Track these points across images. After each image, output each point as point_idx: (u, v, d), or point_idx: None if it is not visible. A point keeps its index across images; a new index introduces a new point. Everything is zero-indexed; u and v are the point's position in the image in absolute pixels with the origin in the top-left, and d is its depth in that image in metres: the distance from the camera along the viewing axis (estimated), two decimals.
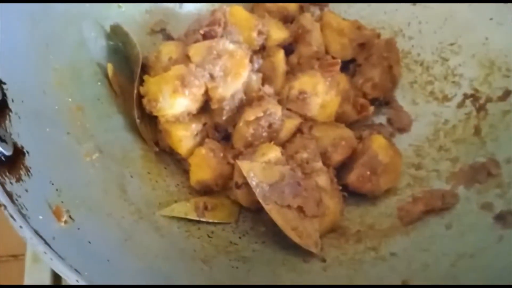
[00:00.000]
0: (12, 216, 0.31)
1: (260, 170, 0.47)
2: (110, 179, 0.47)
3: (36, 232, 0.31)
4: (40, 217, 0.33)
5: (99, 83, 0.53)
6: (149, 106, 0.50)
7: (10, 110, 0.39)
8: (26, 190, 0.34)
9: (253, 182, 0.46)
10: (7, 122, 0.37)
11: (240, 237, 0.50)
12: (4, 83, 0.39)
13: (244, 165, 0.47)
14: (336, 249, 0.52)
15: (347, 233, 0.54)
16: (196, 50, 0.51)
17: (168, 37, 0.61)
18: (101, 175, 0.46)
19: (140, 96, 0.51)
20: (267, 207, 0.47)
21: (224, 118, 0.52)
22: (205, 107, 0.52)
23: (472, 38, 0.61)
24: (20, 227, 0.31)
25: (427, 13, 0.64)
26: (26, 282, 0.48)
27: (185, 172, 0.53)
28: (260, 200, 0.46)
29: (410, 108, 0.62)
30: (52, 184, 0.38)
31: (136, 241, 0.42)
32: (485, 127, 0.57)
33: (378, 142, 0.54)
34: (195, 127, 0.52)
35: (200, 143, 0.52)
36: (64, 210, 0.37)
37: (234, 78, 0.50)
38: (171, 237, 0.46)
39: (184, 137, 0.51)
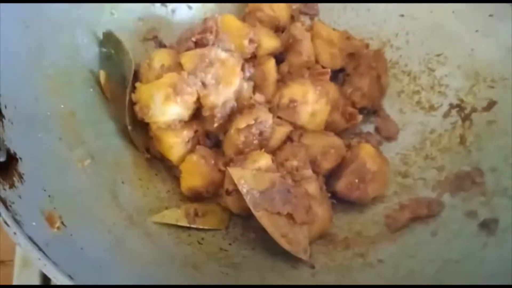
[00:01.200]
0: (6, 223, 0.31)
1: (250, 177, 0.48)
2: (102, 185, 0.47)
3: (30, 239, 0.31)
4: (34, 223, 0.34)
5: (91, 89, 0.53)
6: (141, 113, 0.51)
7: (3, 117, 0.39)
8: (20, 197, 0.35)
9: (243, 189, 0.47)
10: (0, 128, 0.37)
11: (230, 244, 0.50)
12: None
13: (235, 172, 0.48)
14: (325, 255, 0.53)
15: (336, 239, 0.54)
16: (188, 58, 0.52)
17: (160, 45, 0.61)
18: (93, 181, 0.46)
19: (132, 103, 0.52)
20: (257, 214, 0.47)
21: (215, 125, 0.52)
22: (197, 115, 0.53)
23: (458, 50, 0.62)
24: (14, 233, 0.31)
25: (415, 24, 0.66)
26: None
27: (176, 178, 0.54)
28: (251, 207, 0.47)
29: (398, 117, 0.63)
30: (45, 190, 0.39)
31: (128, 247, 0.43)
32: (470, 136, 0.58)
33: (366, 151, 0.56)
34: (187, 134, 0.52)
35: (191, 150, 0.53)
36: (57, 216, 0.37)
37: (226, 86, 0.51)
38: (162, 243, 0.47)
39: (175, 144, 0.52)
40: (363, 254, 0.52)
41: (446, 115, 0.61)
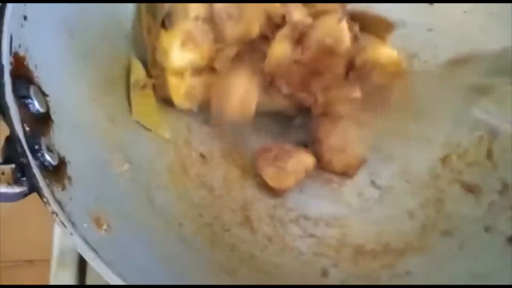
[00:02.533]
0: (63, 223, 0.32)
1: None
2: (139, 190, 0.48)
3: (85, 240, 0.33)
4: (85, 225, 0.35)
5: (128, 97, 0.55)
6: (160, 57, 0.52)
7: (53, 121, 0.40)
8: (70, 199, 0.36)
9: None
10: (51, 133, 0.39)
11: (262, 250, 0.51)
12: (47, 95, 0.41)
13: None
14: (352, 265, 0.54)
15: (363, 250, 0.55)
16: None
17: None
18: (131, 186, 0.47)
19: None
20: None
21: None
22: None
23: None
24: (71, 234, 0.32)
25: (442, 39, 0.67)
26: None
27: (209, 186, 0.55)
28: None
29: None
30: (91, 193, 0.40)
31: (166, 251, 0.44)
32: (497, 150, 0.59)
33: None
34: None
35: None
36: (103, 218, 0.38)
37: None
38: (197, 248, 0.48)
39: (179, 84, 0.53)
40: (390, 266, 0.53)
41: (472, 128, 0.62)
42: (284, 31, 0.51)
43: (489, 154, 0.59)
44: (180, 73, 0.52)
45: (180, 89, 0.53)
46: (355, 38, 0.53)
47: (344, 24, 0.51)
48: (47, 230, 0.60)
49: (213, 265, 0.47)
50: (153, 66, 0.54)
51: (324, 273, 0.52)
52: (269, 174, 0.53)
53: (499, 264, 0.49)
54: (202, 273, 0.45)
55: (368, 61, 0.55)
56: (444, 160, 0.61)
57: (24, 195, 0.33)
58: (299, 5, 0.52)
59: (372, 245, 0.56)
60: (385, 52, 0.56)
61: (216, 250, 0.49)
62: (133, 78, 0.53)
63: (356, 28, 0.54)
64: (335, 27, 0.51)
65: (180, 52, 0.51)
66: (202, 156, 0.57)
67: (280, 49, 0.52)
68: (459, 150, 0.61)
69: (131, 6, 0.57)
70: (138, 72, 0.54)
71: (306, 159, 0.54)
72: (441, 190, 0.59)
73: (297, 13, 0.51)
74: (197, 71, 0.53)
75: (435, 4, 0.67)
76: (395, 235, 0.56)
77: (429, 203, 0.58)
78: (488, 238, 0.52)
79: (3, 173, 0.32)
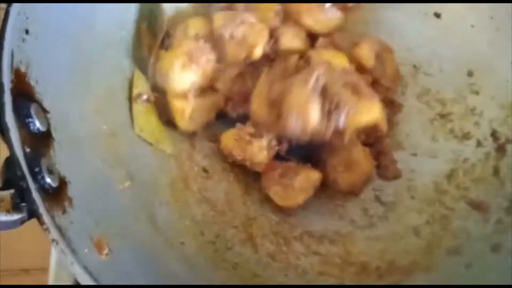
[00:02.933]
0: (64, 252, 0.31)
1: None
2: (141, 207, 0.47)
3: (86, 268, 0.32)
4: (86, 250, 0.34)
5: (130, 108, 0.54)
6: (160, 80, 0.51)
7: (53, 139, 0.39)
8: (71, 223, 0.35)
9: None
10: (51, 152, 0.38)
11: (264, 269, 0.50)
12: (48, 112, 0.40)
13: None
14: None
15: (368, 268, 0.54)
16: (221, 16, 0.53)
17: None
18: (132, 203, 0.46)
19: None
20: None
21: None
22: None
23: (492, 80, 0.62)
24: (72, 263, 0.31)
25: (449, 52, 0.66)
26: None
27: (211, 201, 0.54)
28: None
29: (430, 144, 0.63)
30: (92, 214, 0.39)
31: (169, 271, 0.43)
32: (504, 167, 0.58)
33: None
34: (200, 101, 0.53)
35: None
36: (105, 242, 0.37)
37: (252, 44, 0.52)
38: (199, 267, 0.47)
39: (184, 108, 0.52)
40: (396, 285, 0.52)
41: (479, 144, 0.61)
42: None
43: (496, 171, 0.58)
44: (183, 96, 0.51)
45: (185, 113, 0.52)
46: None
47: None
48: (45, 239, 0.59)
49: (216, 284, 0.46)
50: (154, 89, 0.53)
51: (309, 284, 0.51)
52: (276, 193, 0.52)
53: (506, 285, 0.48)
54: None
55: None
56: (450, 176, 0.60)
57: (23, 221, 0.31)
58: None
59: (377, 262, 0.55)
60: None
61: (219, 270, 0.48)
62: (135, 91, 0.52)
63: None
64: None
65: (181, 74, 0.50)
66: (205, 170, 0.56)
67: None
68: (465, 166, 0.60)
69: (135, 15, 0.56)
70: (141, 85, 0.53)
71: (313, 176, 0.53)
72: (447, 207, 0.58)
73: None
74: (200, 91, 0.52)
75: (442, 17, 0.66)
76: (400, 253, 0.55)
77: (434, 220, 0.57)
78: (495, 257, 0.51)
79: (2, 201, 0.30)
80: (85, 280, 0.31)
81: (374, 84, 0.60)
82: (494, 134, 0.61)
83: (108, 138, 0.48)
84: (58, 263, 0.52)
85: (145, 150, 0.53)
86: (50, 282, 0.47)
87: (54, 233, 0.32)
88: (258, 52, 0.52)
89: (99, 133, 0.47)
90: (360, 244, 0.55)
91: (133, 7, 0.55)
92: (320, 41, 0.61)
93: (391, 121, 0.62)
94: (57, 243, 0.31)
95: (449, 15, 0.66)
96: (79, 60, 0.47)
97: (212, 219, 0.53)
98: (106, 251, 0.36)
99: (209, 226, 0.52)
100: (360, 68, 0.59)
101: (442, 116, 0.64)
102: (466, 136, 0.62)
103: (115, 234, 0.40)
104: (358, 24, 0.68)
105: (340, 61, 0.57)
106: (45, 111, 0.39)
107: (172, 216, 0.50)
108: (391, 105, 0.62)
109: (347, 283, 0.52)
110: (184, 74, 0.50)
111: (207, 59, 0.50)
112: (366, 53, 0.59)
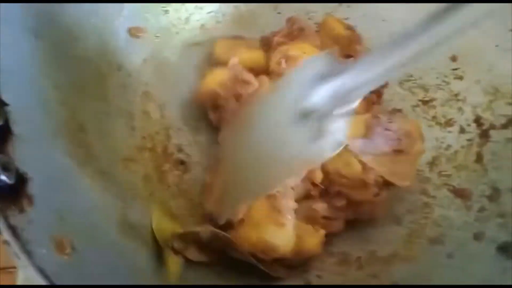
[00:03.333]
0: (17, 255, 0.30)
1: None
2: (111, 203, 0.46)
3: (41, 271, 0.30)
4: (44, 251, 0.32)
5: (101, 100, 0.52)
6: (264, 255, 0.47)
7: (13, 134, 0.38)
8: (30, 222, 0.33)
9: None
10: (9, 147, 0.36)
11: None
12: (7, 105, 0.38)
13: None
14: (338, 275, 0.52)
15: (349, 259, 0.53)
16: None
17: None
18: (102, 199, 0.45)
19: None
20: (366, 159, 0.49)
21: None
22: None
23: (477, 64, 0.61)
24: (25, 266, 0.30)
25: None
26: None
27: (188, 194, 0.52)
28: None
29: None
30: (55, 212, 0.37)
31: (139, 268, 0.42)
32: (487, 154, 0.57)
33: None
34: None
35: None
36: (68, 240, 0.36)
37: None
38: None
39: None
40: (376, 275, 0.51)
41: (462, 131, 0.60)
42: None
43: (479, 158, 0.57)
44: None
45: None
46: None
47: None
48: None
49: (191, 281, 0.45)
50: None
51: (308, 284, 0.50)
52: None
53: (489, 274, 0.47)
54: None
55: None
56: (432, 163, 0.59)
57: None
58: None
59: (358, 253, 0.54)
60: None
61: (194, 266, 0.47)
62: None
63: None
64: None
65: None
66: (182, 163, 0.55)
67: None
68: (448, 153, 0.59)
69: (103, 5, 0.54)
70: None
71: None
72: (429, 195, 0.57)
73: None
74: None
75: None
76: (381, 243, 0.54)
77: (416, 208, 0.56)
78: (477, 246, 0.50)
79: None
80: (39, 282, 0.30)
81: None
82: (477, 120, 0.59)
83: (76, 132, 0.47)
84: None
85: (116, 144, 0.51)
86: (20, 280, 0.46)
87: (6, 234, 0.30)
88: None
89: (66, 127, 0.46)
90: (341, 235, 0.54)
91: None
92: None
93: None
94: (8, 245, 0.29)
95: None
96: (42, 51, 0.45)
97: (189, 213, 0.52)
98: (68, 250, 0.34)
99: (185, 219, 0.51)
100: None
101: (425, 102, 0.63)
102: (449, 123, 0.61)
103: (81, 232, 0.39)
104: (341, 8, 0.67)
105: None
106: (3, 103, 0.37)
107: (145, 211, 0.49)
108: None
109: (326, 275, 0.51)
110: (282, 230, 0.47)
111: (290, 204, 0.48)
112: None
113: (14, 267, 0.53)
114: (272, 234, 0.46)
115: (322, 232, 0.49)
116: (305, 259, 0.50)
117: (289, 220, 0.47)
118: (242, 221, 0.47)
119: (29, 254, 0.30)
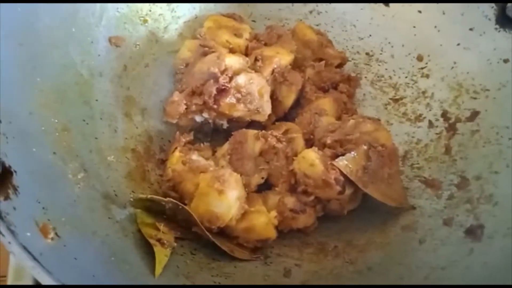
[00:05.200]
0: (0, 233, 0.32)
1: (352, 161, 0.51)
2: (95, 197, 0.48)
3: (25, 248, 0.32)
4: (28, 233, 0.35)
5: (84, 104, 0.54)
6: (211, 224, 0.49)
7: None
8: (14, 208, 0.36)
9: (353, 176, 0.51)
10: None
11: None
12: None
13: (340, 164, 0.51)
14: (316, 264, 0.54)
15: (326, 248, 0.55)
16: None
17: None
18: (86, 193, 0.47)
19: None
20: (369, 191, 0.52)
21: None
22: None
23: (441, 62, 0.65)
24: (9, 242, 0.32)
25: (399, 39, 0.68)
26: None
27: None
28: (361, 187, 0.51)
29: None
30: (39, 202, 0.39)
31: (121, 258, 0.43)
32: (455, 146, 0.60)
33: None
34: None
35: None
36: (51, 227, 0.38)
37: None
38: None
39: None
40: (352, 262, 0.53)
41: (431, 125, 0.63)
42: None
43: (448, 149, 0.60)
44: None
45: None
46: None
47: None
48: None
49: (172, 269, 0.47)
50: None
51: (287, 273, 0.52)
52: None
53: (457, 256, 0.50)
54: (159, 278, 0.44)
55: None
56: (405, 157, 0.62)
57: None
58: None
59: (335, 243, 0.56)
60: None
61: (176, 255, 0.49)
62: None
63: None
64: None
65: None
66: (162, 161, 0.57)
67: None
68: (419, 147, 0.62)
69: (82, 13, 0.56)
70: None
71: None
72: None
73: None
74: None
75: (391, 5, 0.68)
76: (357, 232, 0.57)
77: None
78: (447, 231, 0.53)
79: None
80: (23, 259, 0.32)
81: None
82: (444, 115, 0.63)
83: (60, 132, 0.49)
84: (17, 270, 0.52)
85: (99, 144, 0.53)
86: (9, 282, 0.48)
87: None
88: None
89: (50, 127, 0.48)
90: (318, 226, 0.56)
91: (83, 8, 0.56)
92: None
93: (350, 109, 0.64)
94: None
95: (397, 2, 0.68)
96: (24, 57, 0.47)
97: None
98: (51, 235, 0.37)
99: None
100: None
101: (396, 100, 0.66)
102: (418, 118, 0.64)
103: (65, 222, 0.41)
104: (311, 15, 0.71)
105: (287, 57, 0.60)
106: None
107: (129, 207, 0.51)
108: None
109: (305, 263, 0.53)
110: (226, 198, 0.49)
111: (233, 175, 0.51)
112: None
113: (4, 276, 0.56)
114: (213, 203, 0.49)
115: (274, 213, 0.52)
116: (261, 241, 0.52)
117: (229, 188, 0.49)
118: (192, 194, 0.50)
119: (12, 233, 0.32)
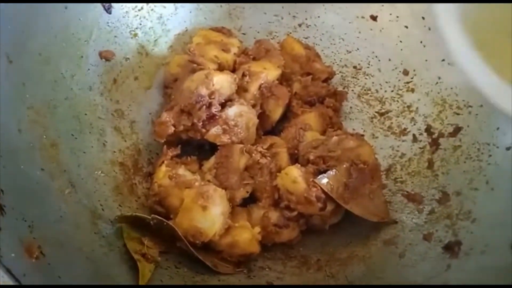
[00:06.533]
0: None
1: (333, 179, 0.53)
2: (81, 213, 0.49)
3: (8, 271, 0.33)
4: (13, 254, 0.36)
5: (73, 118, 0.55)
6: (195, 239, 0.51)
7: None
8: (0, 229, 0.37)
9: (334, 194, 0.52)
10: None
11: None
12: None
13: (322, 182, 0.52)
14: (298, 277, 0.55)
15: (309, 262, 0.57)
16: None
17: None
18: (73, 209, 0.48)
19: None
20: (349, 207, 0.53)
21: None
22: None
23: (426, 77, 0.66)
24: None
25: (386, 53, 0.69)
26: None
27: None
28: (343, 205, 0.53)
29: (370, 142, 0.65)
30: (25, 220, 0.41)
31: (105, 273, 0.45)
32: (437, 161, 0.61)
33: None
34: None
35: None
36: (36, 246, 0.39)
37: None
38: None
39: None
40: (334, 276, 0.55)
41: (415, 140, 0.64)
42: None
43: (430, 164, 0.61)
44: None
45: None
46: None
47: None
48: None
49: (156, 283, 0.48)
50: None
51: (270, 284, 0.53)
52: None
53: (434, 273, 0.51)
54: None
55: None
56: (389, 170, 0.63)
57: None
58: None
59: (317, 256, 0.57)
60: None
61: (160, 269, 0.50)
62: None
63: None
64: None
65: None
66: (150, 175, 0.59)
67: None
68: (402, 161, 0.63)
69: (73, 28, 0.57)
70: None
71: None
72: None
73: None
74: None
75: (378, 19, 0.69)
76: (340, 245, 0.58)
77: None
78: (426, 246, 0.54)
79: None
80: (6, 281, 0.33)
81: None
82: (428, 129, 0.64)
83: (49, 149, 0.50)
84: None
85: (88, 158, 0.54)
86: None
87: None
88: None
89: (39, 143, 0.49)
90: (302, 240, 0.57)
91: (73, 24, 0.57)
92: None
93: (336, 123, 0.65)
94: None
95: (384, 17, 0.69)
96: (14, 75, 0.48)
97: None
98: (36, 254, 0.38)
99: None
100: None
101: (381, 114, 0.68)
102: (403, 132, 0.65)
103: (51, 239, 0.42)
104: (300, 29, 0.72)
105: (274, 72, 0.62)
106: None
107: (115, 221, 0.52)
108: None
109: (288, 276, 0.55)
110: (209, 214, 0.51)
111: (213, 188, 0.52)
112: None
113: None
114: (197, 218, 0.50)
115: (257, 229, 0.53)
116: (244, 255, 0.53)
117: (213, 204, 0.51)
118: (178, 209, 0.52)
119: None
